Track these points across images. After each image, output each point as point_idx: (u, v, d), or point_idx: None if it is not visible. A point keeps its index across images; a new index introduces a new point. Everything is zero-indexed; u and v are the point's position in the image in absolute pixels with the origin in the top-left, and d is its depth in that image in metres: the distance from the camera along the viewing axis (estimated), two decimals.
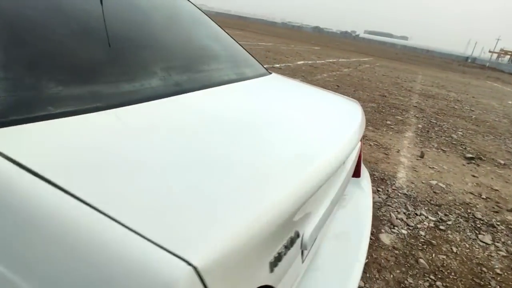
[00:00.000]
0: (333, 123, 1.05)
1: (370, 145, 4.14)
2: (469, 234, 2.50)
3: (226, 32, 1.68)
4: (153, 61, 0.96)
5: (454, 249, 2.26)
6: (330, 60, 15.87)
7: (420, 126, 5.59)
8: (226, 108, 0.96)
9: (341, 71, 11.98)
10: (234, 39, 1.67)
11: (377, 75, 12.94)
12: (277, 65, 10.32)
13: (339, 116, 1.15)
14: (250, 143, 0.73)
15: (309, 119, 1.04)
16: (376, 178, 3.18)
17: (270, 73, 1.67)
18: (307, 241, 0.66)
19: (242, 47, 1.70)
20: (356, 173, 1.38)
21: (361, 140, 1.38)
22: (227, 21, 60.15)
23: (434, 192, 3.13)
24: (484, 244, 2.39)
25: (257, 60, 1.68)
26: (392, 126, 5.20)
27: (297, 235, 0.63)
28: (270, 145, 0.75)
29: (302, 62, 12.72)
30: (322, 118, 1.09)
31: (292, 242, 0.60)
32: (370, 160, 3.61)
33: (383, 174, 3.30)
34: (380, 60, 24.89)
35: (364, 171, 1.50)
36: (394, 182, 3.18)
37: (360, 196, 1.31)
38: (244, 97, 1.13)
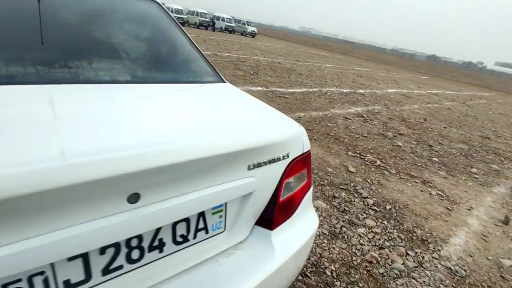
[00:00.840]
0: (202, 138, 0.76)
1: (430, 194, 3.28)
2: None
3: (189, 38, 1.49)
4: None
5: None
6: (433, 91, 13.93)
7: None
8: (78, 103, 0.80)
9: (441, 104, 10.31)
10: (193, 45, 1.47)
11: (490, 113, 10.67)
12: (361, 91, 9.54)
13: (235, 134, 0.83)
14: None
15: (179, 130, 0.79)
16: (413, 237, 2.44)
17: (224, 82, 1.41)
18: None
19: (201, 54, 1.48)
20: (267, 223, 0.99)
21: (284, 180, 1.00)
22: (330, 45, 59.98)
23: (502, 277, 2.21)
24: None
25: (211, 69, 1.44)
26: (477, 176, 4.06)
27: None
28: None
29: (394, 90, 11.49)
30: (203, 131, 0.81)
31: None
32: (419, 213, 2.83)
33: (428, 234, 2.52)
34: (505, 97, 20.65)
35: (296, 225, 1.06)
36: (440, 248, 2.38)
37: (258, 257, 0.92)
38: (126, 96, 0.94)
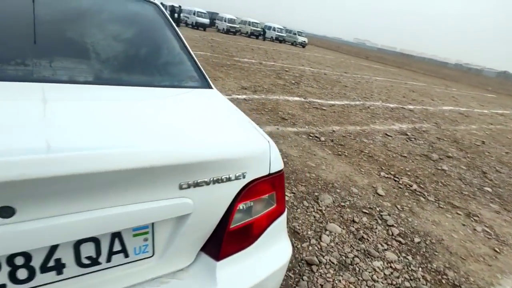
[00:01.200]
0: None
1: (475, 229, 2.81)
2: None
3: (182, 42, 1.40)
4: None
5: None
6: (498, 111, 12.43)
7: None
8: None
9: (506, 126, 9.12)
10: (184, 49, 1.38)
11: None
12: (410, 107, 8.83)
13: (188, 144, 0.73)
14: None
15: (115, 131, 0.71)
16: (443, 280, 2.07)
17: (210, 88, 1.30)
18: None
19: (191, 58, 1.37)
20: (213, 252, 0.84)
21: (237, 204, 0.85)
22: (385, 57, 57.17)
23: None
24: None
25: (198, 74, 1.32)
26: None
27: None
28: None
29: (450, 107, 10.46)
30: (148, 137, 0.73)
31: None
32: (456, 251, 2.42)
33: (463, 279, 2.12)
34: None
35: (256, 257, 0.89)
36: None
37: None
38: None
